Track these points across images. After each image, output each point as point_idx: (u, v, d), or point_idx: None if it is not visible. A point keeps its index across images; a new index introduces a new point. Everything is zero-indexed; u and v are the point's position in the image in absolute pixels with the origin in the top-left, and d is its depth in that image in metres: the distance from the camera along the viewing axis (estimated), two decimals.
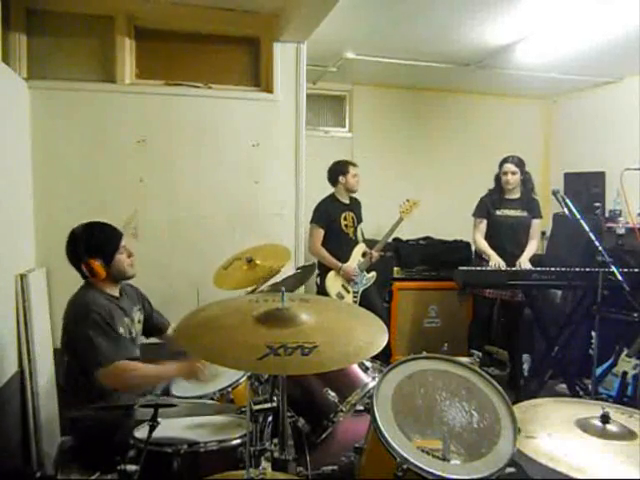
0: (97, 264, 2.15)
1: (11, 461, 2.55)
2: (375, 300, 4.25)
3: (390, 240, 4.53)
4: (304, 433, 1.93)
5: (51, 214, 3.15)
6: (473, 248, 4.96)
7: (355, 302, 4.13)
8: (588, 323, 3.63)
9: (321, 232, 4.12)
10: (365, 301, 4.12)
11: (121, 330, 2.21)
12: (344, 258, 4.14)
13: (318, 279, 4.17)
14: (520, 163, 4.01)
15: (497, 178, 4.12)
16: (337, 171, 4.20)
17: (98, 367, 2.05)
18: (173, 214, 3.36)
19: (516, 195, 4.07)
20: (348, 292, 4.15)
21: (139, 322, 2.41)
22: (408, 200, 4.32)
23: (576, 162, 5.24)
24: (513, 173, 3.97)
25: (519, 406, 1.67)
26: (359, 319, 1.68)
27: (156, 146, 3.33)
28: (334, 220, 4.15)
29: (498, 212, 4.09)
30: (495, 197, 4.11)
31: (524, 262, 3.88)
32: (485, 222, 4.12)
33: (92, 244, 2.17)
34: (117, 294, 2.30)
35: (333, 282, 4.12)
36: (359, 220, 4.34)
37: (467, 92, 5.47)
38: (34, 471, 2.68)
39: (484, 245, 4.05)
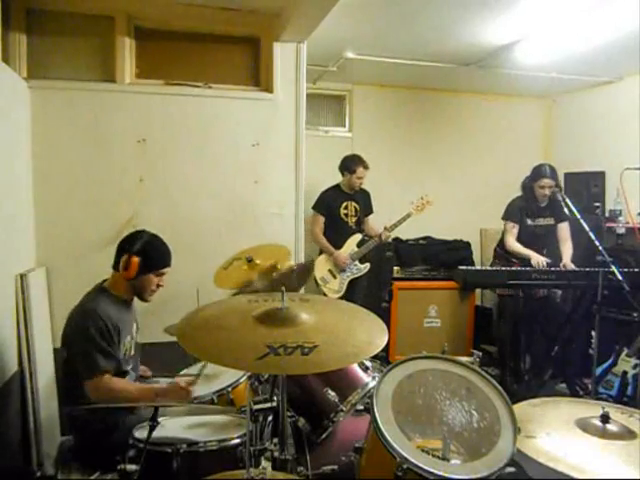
0: (136, 262, 2.17)
1: (11, 461, 2.55)
2: (359, 293, 4.30)
3: (390, 240, 4.54)
4: (304, 433, 1.93)
5: (51, 214, 3.15)
6: (473, 248, 4.98)
7: (341, 289, 4.23)
8: (588, 323, 3.63)
9: (321, 219, 4.29)
10: (349, 291, 4.22)
11: (126, 340, 2.22)
12: (338, 245, 4.25)
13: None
14: (554, 174, 3.87)
15: (529, 187, 3.96)
16: (346, 166, 4.31)
17: (87, 379, 2.05)
18: (173, 214, 3.36)
19: (546, 202, 3.96)
20: (335, 277, 4.24)
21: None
22: (422, 197, 4.32)
23: (576, 162, 5.23)
24: (550, 187, 3.84)
25: (519, 406, 1.67)
26: (359, 319, 1.68)
27: (156, 146, 3.33)
28: (334, 208, 4.29)
29: (530, 221, 4.01)
30: (528, 205, 3.99)
31: (568, 263, 3.77)
32: (517, 227, 3.98)
33: (147, 248, 2.22)
34: (131, 298, 2.33)
35: (320, 265, 4.23)
36: (368, 211, 4.43)
37: (467, 92, 5.47)
38: (34, 471, 2.68)
39: (521, 248, 3.91)
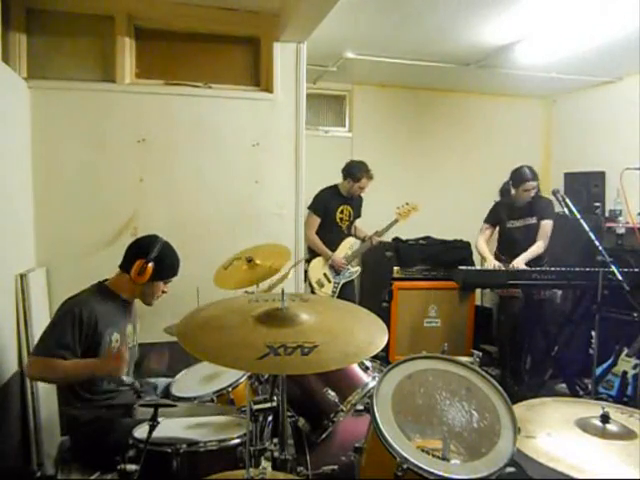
0: (150, 269, 2.20)
1: (11, 461, 2.55)
2: (352, 295, 4.33)
3: (390, 240, 4.54)
4: (304, 433, 1.93)
5: (51, 214, 3.15)
6: (473, 248, 4.97)
7: (334, 292, 4.24)
8: (588, 323, 3.63)
9: (317, 220, 4.23)
10: (343, 294, 4.21)
11: (112, 337, 2.18)
12: (332, 249, 4.24)
13: (307, 265, 4.21)
14: (535, 175, 3.89)
15: (507, 190, 4.01)
16: (350, 172, 4.22)
17: (35, 354, 2.07)
18: (173, 214, 3.36)
19: (523, 203, 3.99)
20: (329, 282, 4.24)
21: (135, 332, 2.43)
22: (407, 203, 4.31)
23: (576, 162, 5.24)
24: (534, 189, 3.88)
25: (519, 406, 1.67)
26: (359, 319, 1.68)
27: (156, 146, 3.33)
28: (331, 211, 4.25)
29: (509, 224, 4.06)
30: (507, 207, 4.06)
31: (518, 263, 3.77)
32: (491, 230, 4.14)
33: (163, 256, 2.25)
34: (131, 299, 2.34)
35: (316, 269, 4.21)
36: (357, 215, 4.40)
37: (467, 92, 5.47)
38: (34, 471, 2.68)
39: (484, 249, 4.07)
